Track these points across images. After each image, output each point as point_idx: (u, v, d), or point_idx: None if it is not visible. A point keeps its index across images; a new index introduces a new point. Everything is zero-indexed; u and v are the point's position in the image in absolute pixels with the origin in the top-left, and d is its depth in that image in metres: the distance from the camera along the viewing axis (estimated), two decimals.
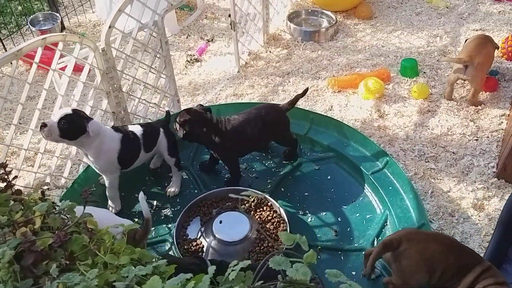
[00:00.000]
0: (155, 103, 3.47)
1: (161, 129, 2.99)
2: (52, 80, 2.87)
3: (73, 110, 2.55)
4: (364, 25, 4.86)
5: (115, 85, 3.02)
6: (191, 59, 4.47)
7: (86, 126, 2.53)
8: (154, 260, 1.42)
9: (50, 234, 1.40)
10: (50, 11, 4.81)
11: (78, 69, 3.50)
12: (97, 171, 2.83)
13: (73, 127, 2.50)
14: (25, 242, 1.26)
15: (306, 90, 3.14)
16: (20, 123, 2.94)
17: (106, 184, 2.86)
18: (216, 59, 4.51)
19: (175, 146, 3.04)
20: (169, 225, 2.92)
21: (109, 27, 2.85)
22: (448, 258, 2.26)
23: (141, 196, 2.37)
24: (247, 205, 2.95)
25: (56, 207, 1.55)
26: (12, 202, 1.56)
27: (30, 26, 4.56)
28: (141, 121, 3.35)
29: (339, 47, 4.56)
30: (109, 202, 2.94)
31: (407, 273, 2.31)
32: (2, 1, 5.35)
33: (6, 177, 1.67)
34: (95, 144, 2.65)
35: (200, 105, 3.05)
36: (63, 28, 4.82)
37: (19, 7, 5.30)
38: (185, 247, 2.75)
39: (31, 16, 4.70)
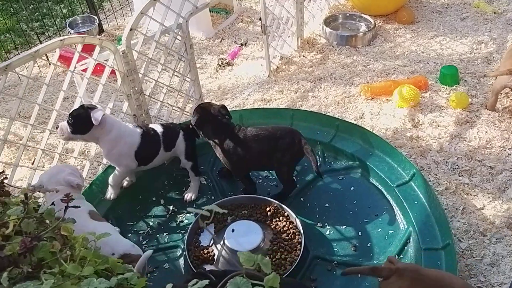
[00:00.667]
0: (178, 107, 3.43)
1: (181, 132, 2.95)
2: (75, 81, 2.90)
3: (81, 105, 2.58)
4: (404, 30, 4.64)
5: (136, 88, 3.01)
6: (222, 63, 4.42)
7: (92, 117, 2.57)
8: (126, 272, 1.36)
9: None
10: (89, 14, 4.91)
11: (101, 71, 3.53)
12: (112, 164, 2.87)
13: (80, 120, 2.53)
14: None
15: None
16: (39, 124, 2.99)
17: (116, 172, 2.87)
18: (248, 63, 4.44)
19: (193, 151, 2.99)
20: (183, 231, 2.86)
21: (130, 29, 2.85)
22: None
23: (146, 254, 2.21)
24: (263, 214, 2.84)
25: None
26: None
27: (69, 28, 4.68)
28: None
29: (376, 53, 4.37)
30: (108, 188, 2.94)
31: None
32: (49, 3, 5.54)
33: None
34: (109, 137, 2.69)
35: (224, 106, 2.93)
36: (101, 31, 4.91)
37: (64, 10, 5.46)
38: (196, 254, 2.68)
39: (70, 19, 4.82)
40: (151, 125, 2.94)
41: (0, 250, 1.27)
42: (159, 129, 2.90)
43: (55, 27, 5.08)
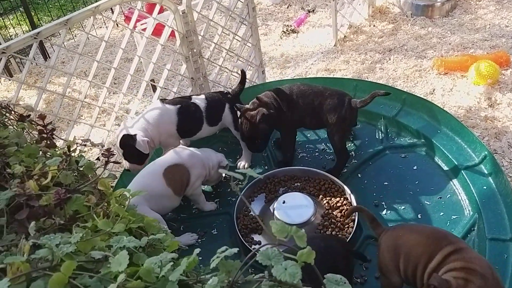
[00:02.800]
0: (237, 73, 3.34)
1: (227, 104, 2.83)
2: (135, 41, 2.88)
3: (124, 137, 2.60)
4: (488, 1, 4.24)
5: (195, 50, 2.95)
6: (287, 30, 4.27)
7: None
8: (161, 231, 1.30)
9: None
10: None
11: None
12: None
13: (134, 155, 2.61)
14: (20, 195, 1.20)
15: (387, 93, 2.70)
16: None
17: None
18: (314, 31, 4.26)
19: None
20: (234, 199, 2.80)
21: None
22: (422, 250, 1.87)
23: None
24: (316, 188, 2.72)
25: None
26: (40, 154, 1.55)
27: None
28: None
29: (454, 25, 4.04)
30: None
31: (380, 268, 2.06)
32: None
33: (43, 128, 1.65)
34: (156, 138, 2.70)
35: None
36: None
37: None
38: (245, 223, 2.62)
39: None
40: (194, 98, 2.81)
41: (36, 199, 1.25)
42: (202, 103, 2.78)
43: None
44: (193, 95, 2.85)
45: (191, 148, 2.65)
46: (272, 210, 2.60)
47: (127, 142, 2.56)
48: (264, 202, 2.74)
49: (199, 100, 2.78)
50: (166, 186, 2.46)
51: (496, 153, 2.86)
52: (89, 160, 1.46)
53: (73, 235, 1.13)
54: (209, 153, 2.71)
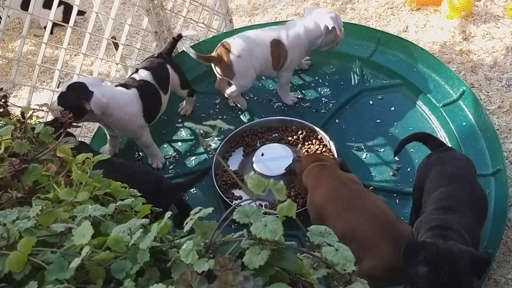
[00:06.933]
0: (203, 23, 3.18)
1: (168, 65, 2.60)
2: None
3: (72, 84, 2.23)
4: None
5: (156, 1, 2.77)
6: None
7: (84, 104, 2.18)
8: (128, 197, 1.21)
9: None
10: None
11: None
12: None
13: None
14: None
15: None
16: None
17: (142, 145, 2.61)
18: None
19: (185, 77, 2.71)
20: (210, 155, 2.71)
21: None
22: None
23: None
24: (294, 137, 2.65)
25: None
26: None
27: None
28: (190, 43, 3.08)
29: None
30: (149, 160, 2.66)
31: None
32: None
33: None
34: (112, 119, 2.35)
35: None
36: None
37: None
38: (224, 178, 2.55)
39: None
40: (138, 76, 2.49)
41: None
42: (149, 77, 2.49)
43: None
44: (135, 73, 2.54)
45: None
46: (251, 164, 2.53)
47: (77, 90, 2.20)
48: (243, 156, 2.67)
49: (144, 74, 2.50)
50: None
51: (473, 87, 2.81)
52: (46, 126, 1.33)
53: (32, 208, 1.03)
54: None
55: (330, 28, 2.58)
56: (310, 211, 2.08)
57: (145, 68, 2.53)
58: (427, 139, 2.16)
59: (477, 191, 1.86)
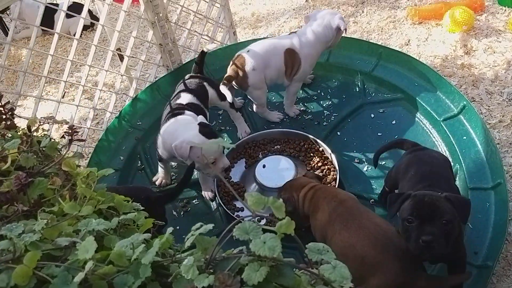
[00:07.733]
0: (207, 35, 3.22)
1: (205, 83, 2.63)
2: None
3: None
4: None
5: (161, 14, 2.81)
6: None
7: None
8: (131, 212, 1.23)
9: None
10: None
11: None
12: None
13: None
14: None
15: None
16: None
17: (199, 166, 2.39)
18: None
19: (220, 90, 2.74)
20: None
21: None
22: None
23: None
24: (296, 149, 2.68)
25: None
26: None
27: None
28: (193, 55, 3.11)
29: None
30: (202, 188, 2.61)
31: None
32: None
33: (1, 108, 1.54)
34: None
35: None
36: None
37: None
38: (226, 190, 2.57)
39: None
40: (182, 100, 2.48)
41: None
42: (193, 99, 2.49)
43: None
44: (178, 98, 2.52)
45: None
46: (253, 175, 2.55)
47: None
48: (245, 168, 2.69)
49: (188, 97, 2.50)
50: None
51: (474, 101, 2.84)
52: (52, 140, 1.36)
53: (37, 221, 1.06)
54: None
55: (342, 29, 2.63)
56: (315, 234, 2.08)
57: (185, 91, 2.54)
58: (401, 143, 2.31)
59: (454, 188, 1.97)
